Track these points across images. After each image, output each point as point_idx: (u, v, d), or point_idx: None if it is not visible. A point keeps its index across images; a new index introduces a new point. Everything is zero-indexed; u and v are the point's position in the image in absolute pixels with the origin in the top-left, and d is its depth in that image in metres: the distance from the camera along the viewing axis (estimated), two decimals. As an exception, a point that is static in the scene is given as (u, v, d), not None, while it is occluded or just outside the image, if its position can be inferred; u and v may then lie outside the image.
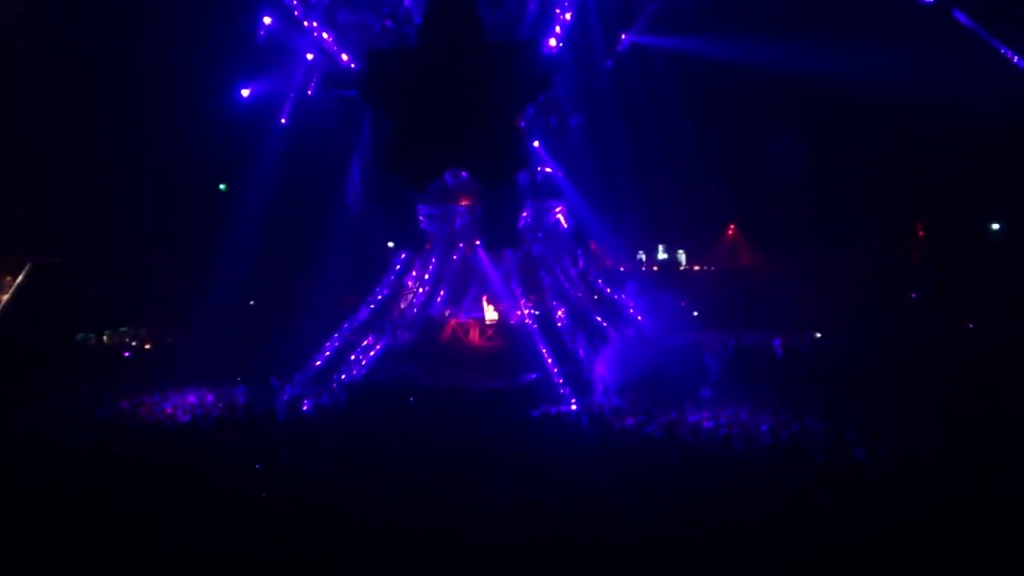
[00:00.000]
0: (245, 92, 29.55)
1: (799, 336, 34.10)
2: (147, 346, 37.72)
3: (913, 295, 39.77)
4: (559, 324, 28.94)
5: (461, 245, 31.38)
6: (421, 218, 29.97)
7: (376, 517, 15.99)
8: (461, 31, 22.70)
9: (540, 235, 30.86)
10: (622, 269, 41.76)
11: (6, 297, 32.92)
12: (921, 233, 43.51)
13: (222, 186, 28.32)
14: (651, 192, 37.03)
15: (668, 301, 32.39)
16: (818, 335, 34.53)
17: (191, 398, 26.86)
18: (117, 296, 35.46)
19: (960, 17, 25.70)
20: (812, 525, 15.01)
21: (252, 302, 39.00)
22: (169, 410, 25.45)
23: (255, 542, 15.02)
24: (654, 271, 47.16)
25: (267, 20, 28.00)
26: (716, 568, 13.75)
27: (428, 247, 31.35)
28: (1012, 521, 14.56)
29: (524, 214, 29.85)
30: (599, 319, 30.87)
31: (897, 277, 40.20)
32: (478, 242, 30.38)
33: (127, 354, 36.18)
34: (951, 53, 26.54)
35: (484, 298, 31.89)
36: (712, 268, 47.54)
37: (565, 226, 31.77)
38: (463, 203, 30.16)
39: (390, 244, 32.32)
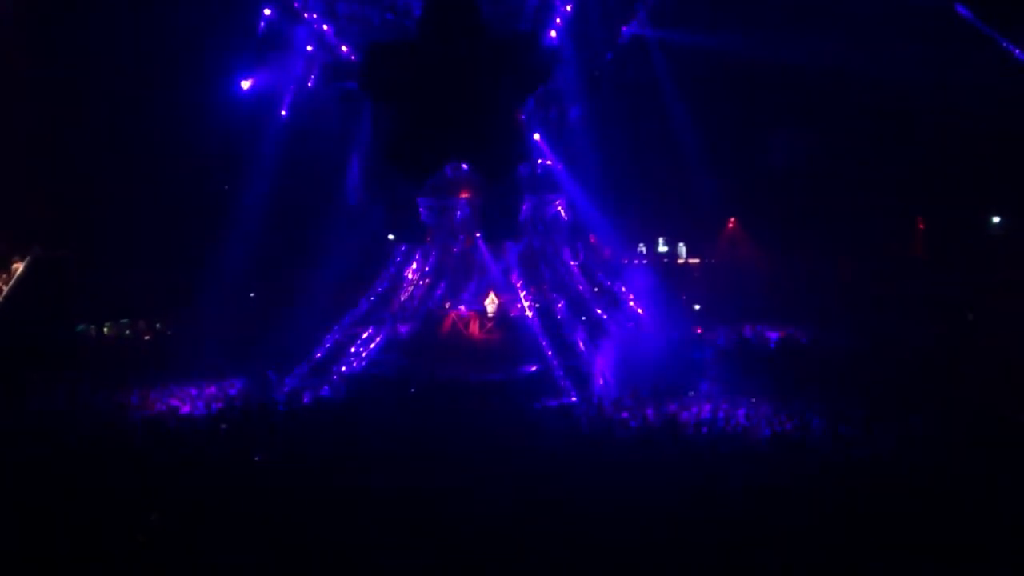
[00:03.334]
0: (245, 84, 29.53)
1: (799, 329, 34.09)
2: (147, 338, 37.76)
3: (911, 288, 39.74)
4: (559, 316, 28.97)
5: (461, 238, 31.40)
6: (421, 211, 29.97)
7: (376, 509, 16.02)
8: (461, 23, 22.65)
9: (540, 228, 30.90)
10: (626, 262, 41.95)
11: (7, 289, 32.92)
12: (921, 226, 43.47)
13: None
14: (651, 185, 37.01)
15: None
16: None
17: (191, 390, 26.91)
18: (117, 288, 35.46)
19: (962, 11, 25.66)
20: (812, 519, 15.03)
21: (252, 294, 39.02)
22: (169, 401, 25.50)
23: (254, 535, 15.05)
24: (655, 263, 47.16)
25: (267, 12, 27.97)
26: (719, 562, 13.79)
27: (428, 240, 31.37)
28: (1011, 518, 14.59)
29: (524, 207, 29.87)
30: (599, 311, 30.90)
31: (897, 270, 40.14)
32: (478, 235, 30.40)
33: (136, 345, 36.33)
34: (952, 46, 26.51)
35: (487, 291, 31.92)
36: (712, 261, 47.50)
37: (565, 219, 31.78)
38: (463, 196, 30.18)
39: (390, 236, 32.34)
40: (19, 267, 32.98)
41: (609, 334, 29.48)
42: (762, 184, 39.21)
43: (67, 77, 33.60)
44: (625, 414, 22.94)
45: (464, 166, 28.48)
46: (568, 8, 26.03)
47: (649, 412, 22.82)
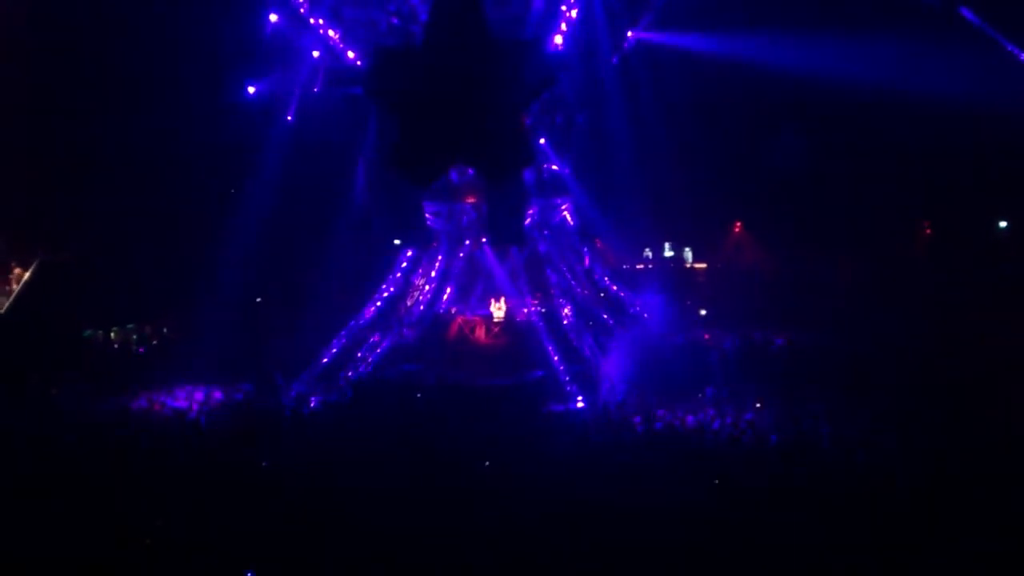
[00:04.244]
0: (251, 89, 29.65)
1: (804, 333, 33.97)
2: (154, 343, 37.82)
3: (911, 290, 39.70)
4: (565, 322, 28.95)
5: (467, 243, 31.38)
6: (427, 216, 30.03)
7: (383, 514, 16.03)
8: (467, 28, 22.69)
9: (546, 233, 30.89)
10: (640, 267, 42.12)
11: (14, 294, 33.01)
12: (928, 231, 43.39)
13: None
14: (657, 190, 36.96)
15: (660, 303, 32.37)
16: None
17: (198, 395, 26.94)
18: (124, 293, 35.53)
19: (967, 14, 25.62)
20: (819, 523, 15.01)
21: (259, 299, 39.05)
22: (175, 407, 25.53)
23: (261, 539, 15.07)
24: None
25: (273, 17, 28.05)
26: (725, 565, 13.77)
27: (434, 245, 31.38)
28: (1009, 518, 14.56)
29: (530, 212, 29.89)
30: (605, 317, 30.87)
31: (904, 275, 40.08)
32: (484, 240, 30.41)
33: (141, 349, 36.42)
34: (958, 50, 26.45)
35: (494, 296, 31.95)
36: (718, 265, 47.48)
37: (571, 224, 31.79)
38: (469, 201, 30.19)
39: (396, 241, 32.37)
40: (18, 271, 33.03)
41: (616, 339, 29.45)
42: (767, 188, 39.15)
43: (73, 81, 33.70)
44: (632, 419, 22.92)
45: (469, 171, 28.50)
46: (573, 13, 26.05)
47: (655, 417, 22.80)
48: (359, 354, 29.58)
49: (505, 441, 21.14)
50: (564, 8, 25.94)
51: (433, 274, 31.75)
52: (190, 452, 20.88)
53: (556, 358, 27.38)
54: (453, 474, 18.34)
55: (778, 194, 39.07)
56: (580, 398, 25.72)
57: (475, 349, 30.84)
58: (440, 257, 31.63)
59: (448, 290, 32.63)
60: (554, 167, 30.09)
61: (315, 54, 28.94)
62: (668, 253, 48.35)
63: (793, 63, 30.08)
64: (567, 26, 25.97)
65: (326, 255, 33.04)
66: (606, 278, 32.93)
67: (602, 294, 32.52)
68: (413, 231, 29.59)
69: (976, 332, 31.00)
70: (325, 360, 29.19)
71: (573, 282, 31.28)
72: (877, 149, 36.91)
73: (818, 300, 36.98)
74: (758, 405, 23.50)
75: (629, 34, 29.69)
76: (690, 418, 22.62)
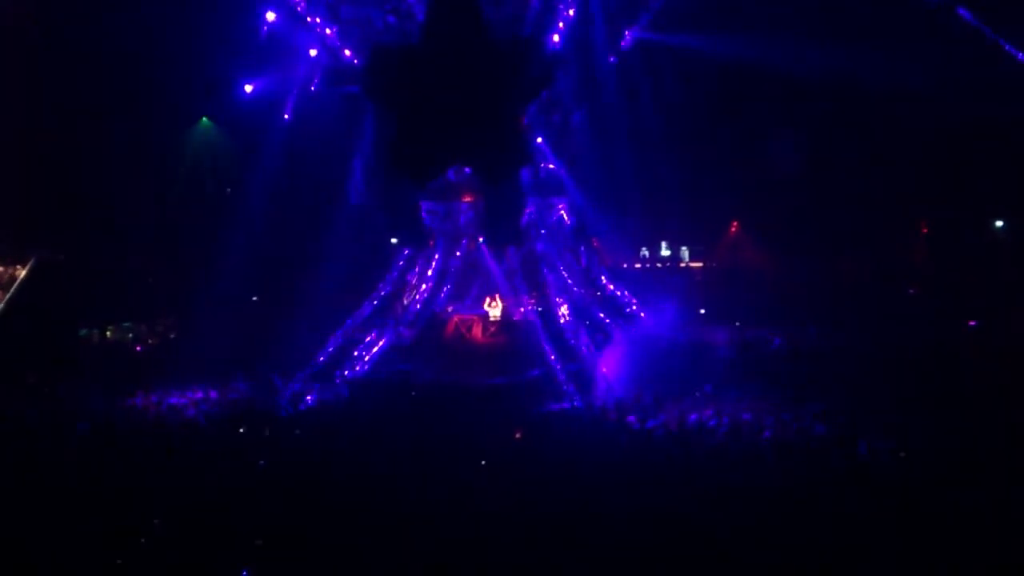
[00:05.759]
0: (248, 88, 29.61)
1: (801, 333, 34.00)
2: (150, 341, 37.77)
3: (911, 290, 39.74)
4: (562, 321, 28.93)
5: (464, 242, 31.38)
6: (424, 215, 30.01)
7: (378, 513, 16.02)
8: (464, 27, 22.69)
9: (543, 232, 30.87)
10: (637, 266, 42.07)
11: (9, 293, 32.93)
12: (925, 230, 43.44)
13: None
14: (654, 189, 36.98)
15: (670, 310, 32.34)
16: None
17: (195, 394, 26.87)
18: (120, 291, 35.49)
19: (964, 14, 25.65)
20: (816, 523, 15.02)
21: (255, 298, 39.02)
22: (171, 404, 25.47)
23: (255, 538, 15.05)
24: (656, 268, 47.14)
25: (270, 16, 28.02)
26: (723, 566, 13.78)
27: (431, 244, 31.36)
28: (1013, 520, 14.57)
29: (527, 211, 29.88)
30: (602, 316, 30.86)
31: (900, 274, 40.16)
32: (481, 239, 30.39)
33: (137, 348, 36.37)
34: (955, 50, 26.48)
35: (490, 295, 31.94)
36: (714, 264, 47.53)
37: (568, 223, 31.77)
38: (466, 200, 30.17)
39: (393, 240, 32.33)
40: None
41: (612, 338, 29.44)
42: (764, 187, 39.21)
43: (71, 79, 33.62)
44: (628, 418, 22.91)
45: (466, 170, 28.49)
46: (571, 12, 26.06)
47: (652, 416, 22.78)
48: (355, 353, 29.55)
49: (501, 440, 21.14)
50: (561, 7, 25.93)
51: (430, 273, 31.73)
52: (186, 451, 20.83)
53: (553, 357, 27.35)
54: (449, 474, 18.32)
55: (775, 193, 39.12)
56: (577, 397, 25.68)
57: (472, 348, 30.84)
58: (437, 256, 31.61)
59: (445, 289, 32.61)
60: (551, 166, 30.09)
61: (312, 53, 28.92)
62: (665, 252, 48.40)
63: (790, 62, 30.11)
64: (565, 25, 25.97)
65: (323, 254, 33.00)
66: (603, 277, 32.91)
67: (599, 293, 32.51)
68: (410, 230, 29.57)
69: (974, 331, 31.11)
70: (321, 359, 29.14)
71: (570, 281, 31.26)
72: (874, 148, 36.97)
73: (815, 299, 37.03)
74: (756, 403, 23.44)
75: (627, 33, 29.69)
76: (687, 417, 22.58)
